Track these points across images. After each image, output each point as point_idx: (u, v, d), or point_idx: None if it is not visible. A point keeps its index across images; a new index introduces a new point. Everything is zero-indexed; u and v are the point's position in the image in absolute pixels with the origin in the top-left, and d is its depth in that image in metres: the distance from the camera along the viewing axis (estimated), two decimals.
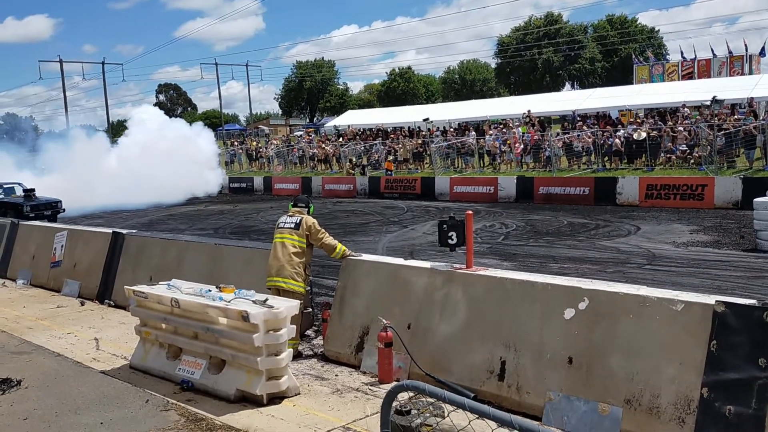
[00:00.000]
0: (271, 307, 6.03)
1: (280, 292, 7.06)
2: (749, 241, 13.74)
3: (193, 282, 7.20)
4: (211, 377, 6.36)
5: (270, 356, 5.99)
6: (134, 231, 11.09)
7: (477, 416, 2.63)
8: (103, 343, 8.28)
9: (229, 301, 6.25)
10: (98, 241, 11.30)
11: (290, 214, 7.50)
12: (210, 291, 6.59)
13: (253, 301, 6.18)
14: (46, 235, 12.52)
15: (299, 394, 6.24)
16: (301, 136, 46.84)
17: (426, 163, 30.70)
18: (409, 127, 37.28)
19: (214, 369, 6.40)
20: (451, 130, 33.44)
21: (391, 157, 30.93)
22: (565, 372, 5.40)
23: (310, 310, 8.06)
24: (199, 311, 6.43)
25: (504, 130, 30.34)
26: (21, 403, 6.17)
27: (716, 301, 4.80)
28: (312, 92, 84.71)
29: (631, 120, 27.76)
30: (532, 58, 65.85)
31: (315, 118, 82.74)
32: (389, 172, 29.81)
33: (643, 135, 24.06)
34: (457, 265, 6.59)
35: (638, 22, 67.03)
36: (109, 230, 11.28)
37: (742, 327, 4.60)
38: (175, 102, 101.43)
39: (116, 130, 58.95)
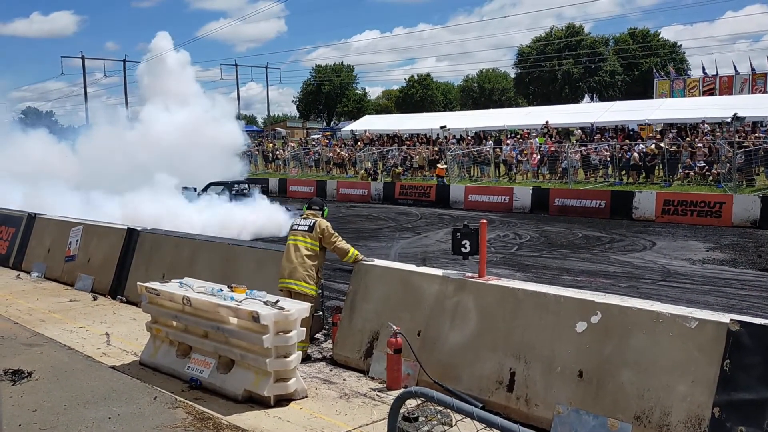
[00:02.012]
0: (282, 308, 6.04)
1: (291, 293, 7.07)
2: (766, 261, 13.57)
3: (205, 281, 7.23)
4: (220, 377, 6.37)
5: (279, 358, 5.99)
6: (149, 228, 11.13)
7: (485, 426, 2.61)
8: (114, 339, 8.33)
9: (240, 301, 6.26)
10: (113, 236, 11.38)
11: (304, 216, 7.52)
12: (222, 290, 6.60)
13: (264, 302, 6.18)
14: (62, 229, 12.63)
15: (306, 397, 6.23)
16: (317, 139, 46.95)
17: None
18: (425, 134, 37.28)
19: (223, 368, 6.41)
20: (468, 138, 33.40)
21: (442, 164, 29.38)
22: (575, 385, 5.35)
23: (321, 313, 8.05)
24: (210, 310, 6.45)
25: (521, 140, 30.24)
26: (31, 395, 6.22)
27: (731, 319, 4.74)
28: (330, 96, 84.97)
29: (650, 135, 27.56)
30: (551, 69, 65.57)
31: (332, 122, 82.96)
32: (440, 179, 28.44)
33: (652, 146, 23.94)
34: (470, 274, 6.56)
35: (660, 36, 66.59)
36: (124, 226, 11.36)
37: (757, 347, 4.54)
38: None
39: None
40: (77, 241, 12.10)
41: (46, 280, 12.30)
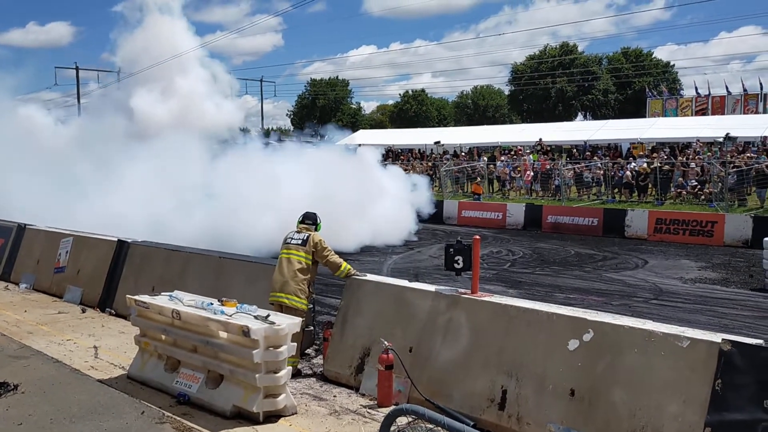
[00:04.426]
0: (273, 323, 5.99)
1: (282, 308, 7.02)
2: (758, 281, 13.60)
3: (195, 294, 7.17)
4: (208, 392, 6.30)
5: (269, 373, 5.94)
6: (139, 240, 11.06)
7: None
8: (102, 352, 8.24)
9: (230, 315, 6.21)
10: (103, 248, 11.30)
11: (298, 230, 7.49)
12: (212, 304, 6.55)
13: (255, 317, 6.14)
14: (52, 240, 12.54)
15: (296, 413, 6.17)
16: None
17: (435, 186, 30.67)
18: (419, 149, 37.37)
19: (212, 383, 6.34)
20: (462, 154, 33.50)
21: (479, 179, 28.85)
22: (567, 404, 5.31)
23: (312, 328, 8.00)
24: (199, 324, 6.39)
25: (514, 156, 30.36)
26: (17, 408, 6.14)
27: (723, 339, 4.73)
28: (325, 110, 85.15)
29: (641, 153, 27.73)
30: (545, 86, 66.01)
31: (326, 136, 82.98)
32: (477, 197, 27.58)
33: (644, 164, 24.11)
34: (462, 290, 6.54)
35: (653, 56, 67.23)
36: (114, 238, 11.29)
37: (748, 367, 4.52)
38: None
39: None
40: (67, 252, 12.01)
41: (34, 291, 12.19)
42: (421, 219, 22.44)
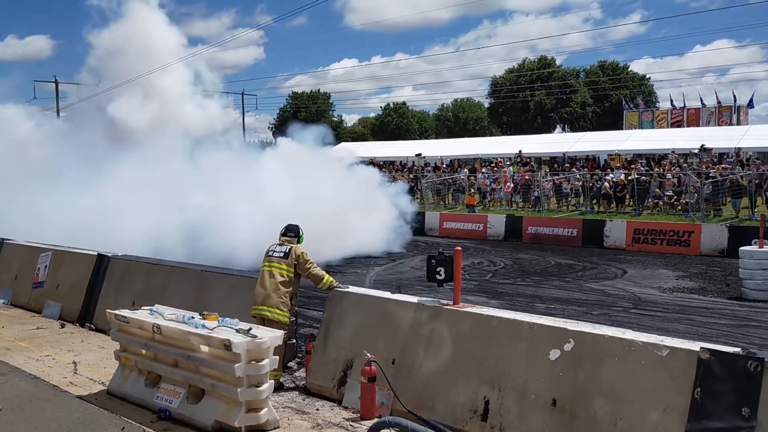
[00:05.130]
0: (255, 336, 5.96)
1: (264, 321, 6.99)
2: (734, 290, 13.81)
3: (176, 308, 7.12)
4: (189, 407, 6.25)
5: (251, 387, 5.90)
6: (119, 254, 10.95)
7: None
8: (82, 367, 8.13)
9: (212, 329, 6.17)
10: (83, 262, 11.17)
11: (280, 242, 7.47)
12: (193, 318, 6.51)
13: (237, 330, 6.10)
14: (31, 255, 12.37)
15: (278, 427, 6.13)
16: None
17: (416, 198, 30.76)
18: (401, 162, 37.48)
19: (193, 398, 6.29)
20: (444, 166, 33.67)
21: (473, 191, 28.69)
22: (549, 414, 5.34)
23: (294, 341, 7.97)
24: (180, 338, 6.35)
25: (495, 168, 30.58)
26: None
27: (701, 347, 4.80)
28: (306, 123, 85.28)
29: (618, 165, 28.11)
30: (524, 99, 66.71)
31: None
32: (471, 208, 27.45)
33: (621, 176, 24.42)
34: (444, 301, 6.56)
35: (630, 69, 68.33)
36: (94, 252, 11.17)
37: (727, 375, 4.59)
38: None
39: None
40: (46, 267, 11.86)
41: (12, 306, 12.00)
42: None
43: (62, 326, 10.43)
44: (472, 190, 28.87)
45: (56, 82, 57.51)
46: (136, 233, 14.68)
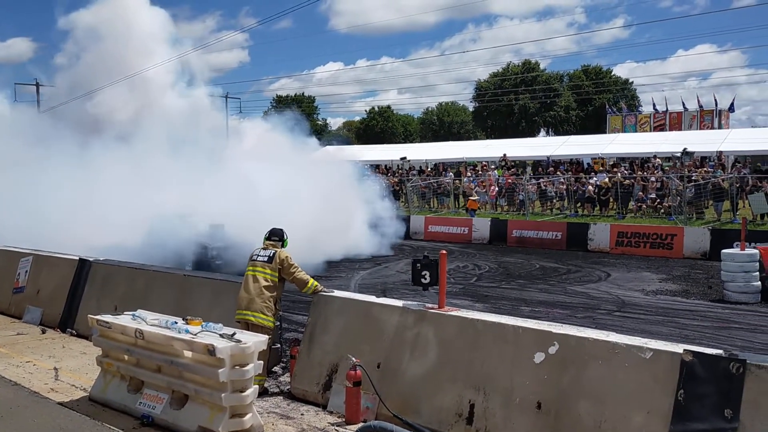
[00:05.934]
0: (239, 341, 5.92)
1: (249, 325, 6.95)
2: (717, 292, 13.93)
3: (159, 313, 7.05)
4: (173, 413, 6.18)
5: (235, 392, 5.85)
6: (101, 258, 10.84)
7: None
8: (63, 374, 8.03)
9: (195, 334, 6.11)
10: (64, 267, 11.04)
11: (264, 247, 7.43)
12: (176, 323, 6.44)
13: (221, 335, 6.05)
14: (11, 259, 12.20)
15: None
16: None
17: (401, 202, 30.80)
18: (386, 165, 37.52)
19: (176, 404, 6.22)
20: (428, 169, 33.74)
21: (475, 197, 27.97)
22: (534, 417, 5.35)
23: (279, 345, 7.92)
24: (163, 343, 6.28)
25: (480, 172, 30.69)
26: None
27: (684, 350, 4.83)
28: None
29: (600, 169, 28.34)
30: (509, 103, 67.10)
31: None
32: (472, 213, 26.82)
33: (605, 179, 24.62)
34: (430, 305, 6.56)
35: (613, 73, 68.95)
36: (76, 256, 11.04)
37: (709, 377, 4.62)
38: None
39: None
40: (26, 272, 11.70)
41: None
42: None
43: (43, 332, 10.29)
44: (475, 195, 28.83)
45: (37, 85, 56.92)
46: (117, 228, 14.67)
